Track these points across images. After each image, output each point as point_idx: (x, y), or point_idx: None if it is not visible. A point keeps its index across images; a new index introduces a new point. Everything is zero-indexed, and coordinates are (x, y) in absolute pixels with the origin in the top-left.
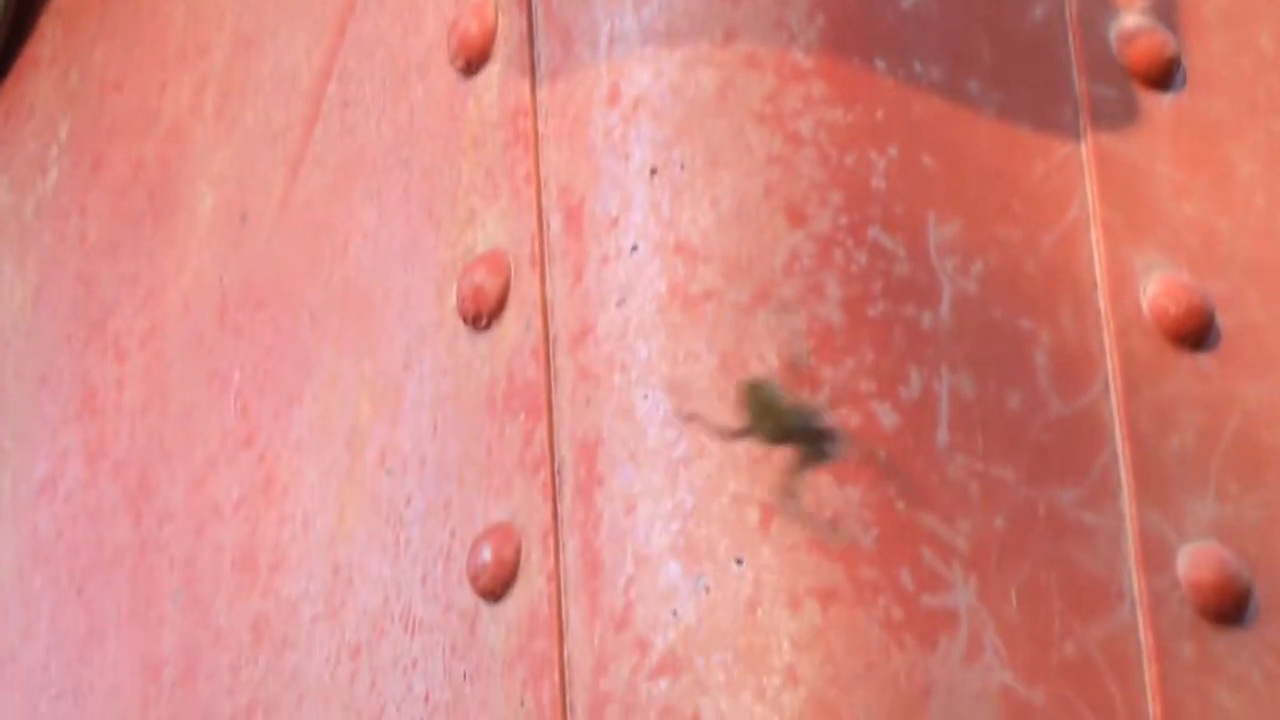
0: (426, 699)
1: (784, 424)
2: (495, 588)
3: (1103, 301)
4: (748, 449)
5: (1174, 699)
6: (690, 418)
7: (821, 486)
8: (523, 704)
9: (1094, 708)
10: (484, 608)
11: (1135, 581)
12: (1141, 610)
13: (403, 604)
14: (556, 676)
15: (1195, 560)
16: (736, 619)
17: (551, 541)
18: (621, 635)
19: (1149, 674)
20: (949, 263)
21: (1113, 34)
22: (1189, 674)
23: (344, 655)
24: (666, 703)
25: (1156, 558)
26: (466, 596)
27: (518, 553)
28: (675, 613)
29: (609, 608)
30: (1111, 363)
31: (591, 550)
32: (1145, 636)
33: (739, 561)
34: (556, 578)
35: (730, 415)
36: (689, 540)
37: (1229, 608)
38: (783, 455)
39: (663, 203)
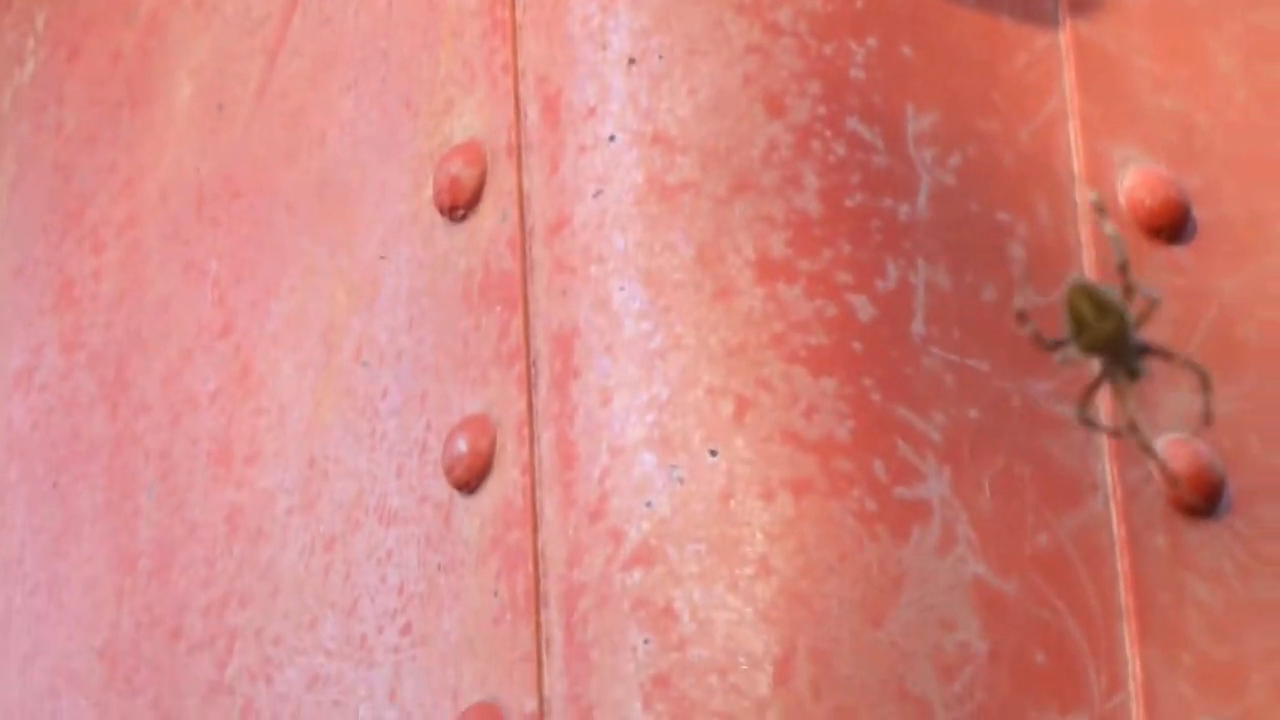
0: (401, 590)
1: (1115, 331)
2: (470, 479)
3: (1080, 194)
4: (722, 340)
5: (1147, 590)
6: (1020, 318)
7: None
8: (496, 594)
9: (1066, 598)
10: (459, 499)
11: (1109, 473)
12: (1115, 502)
13: (378, 496)
14: (530, 567)
15: (1169, 453)
16: (710, 510)
17: (527, 433)
18: (595, 526)
19: (1122, 565)
20: (927, 154)
21: None
22: (1162, 565)
23: (319, 547)
24: (640, 593)
25: (1130, 450)
26: (441, 488)
27: (493, 444)
28: (649, 504)
29: (583, 499)
30: (1087, 255)
31: (567, 442)
32: (1118, 528)
33: (713, 453)
34: (531, 469)
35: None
36: (664, 431)
37: (1202, 500)
38: (1092, 366)
39: (640, 92)
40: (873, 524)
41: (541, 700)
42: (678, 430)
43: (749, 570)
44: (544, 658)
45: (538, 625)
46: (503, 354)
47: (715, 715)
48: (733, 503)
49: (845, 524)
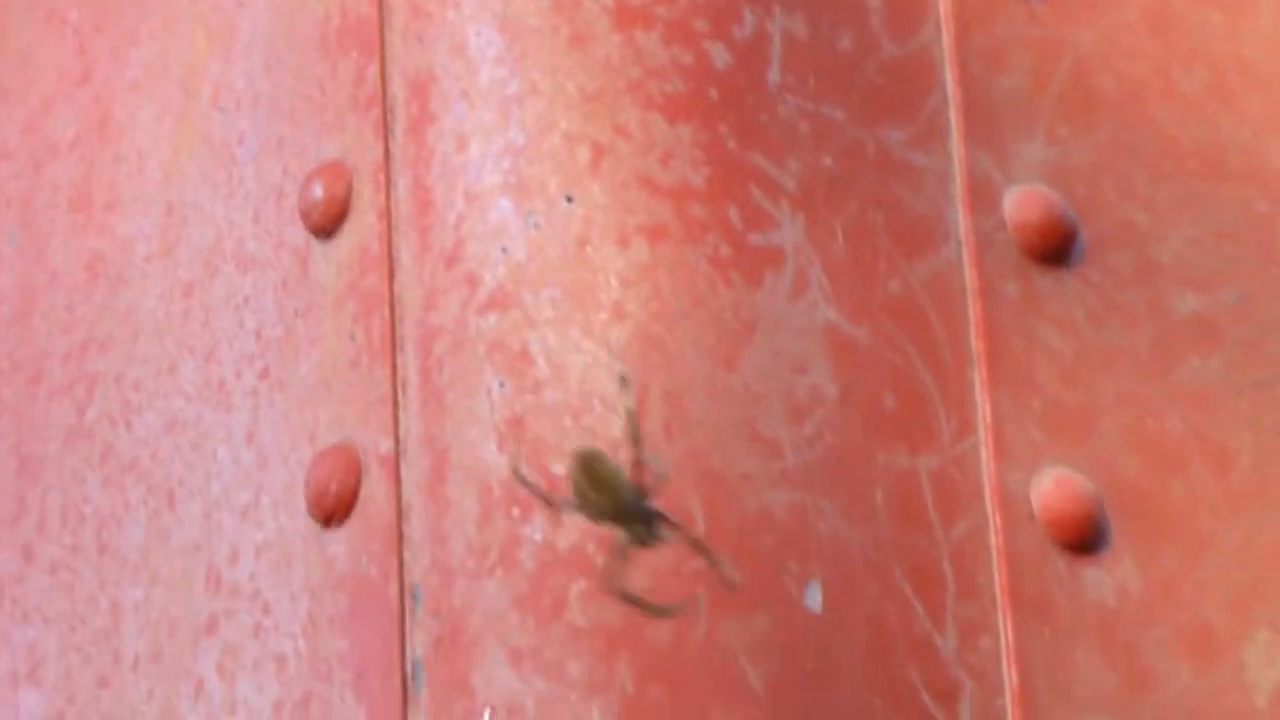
0: (258, 335)
1: (616, 504)
2: (326, 225)
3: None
4: (579, 86)
5: (998, 335)
6: (521, 482)
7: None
8: (353, 338)
9: (917, 344)
10: (315, 245)
11: (961, 221)
12: (967, 249)
13: (235, 241)
14: (386, 312)
15: (1022, 201)
16: (566, 255)
17: (383, 178)
18: (452, 271)
19: (973, 311)
20: None
21: None
22: (1013, 312)
23: (177, 293)
24: (495, 337)
25: (983, 198)
26: (298, 234)
27: (349, 190)
28: (505, 249)
29: (439, 244)
30: (943, 5)
31: (423, 187)
32: (970, 275)
33: (569, 199)
34: (387, 215)
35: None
36: (520, 178)
37: (1054, 248)
38: (609, 536)
39: None
40: (726, 270)
41: (397, 441)
42: (534, 176)
43: (604, 315)
44: (400, 399)
45: (394, 368)
46: (359, 100)
47: (569, 456)
48: (588, 249)
49: (699, 269)
